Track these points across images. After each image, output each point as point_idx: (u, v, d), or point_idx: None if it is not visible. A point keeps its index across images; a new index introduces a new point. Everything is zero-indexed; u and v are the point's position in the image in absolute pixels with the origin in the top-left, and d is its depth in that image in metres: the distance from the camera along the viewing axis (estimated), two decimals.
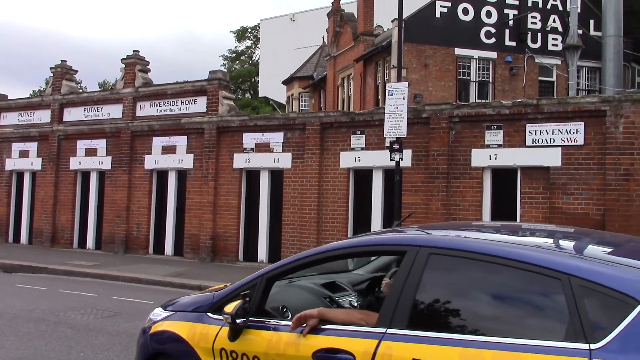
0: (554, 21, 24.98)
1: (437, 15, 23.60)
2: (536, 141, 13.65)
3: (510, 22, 24.36)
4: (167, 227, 18.97)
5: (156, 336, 4.63)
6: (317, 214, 16.25)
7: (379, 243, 4.19)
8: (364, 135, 15.80)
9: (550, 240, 4.07)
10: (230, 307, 3.99)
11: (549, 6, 24.87)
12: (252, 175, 17.66)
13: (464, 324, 3.42)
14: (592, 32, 24.81)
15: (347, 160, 16.04)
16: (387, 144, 13.65)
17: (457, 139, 14.59)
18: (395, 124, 13.11)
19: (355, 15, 29.56)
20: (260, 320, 4.05)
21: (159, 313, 4.83)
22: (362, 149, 15.82)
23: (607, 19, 23.09)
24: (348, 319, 3.82)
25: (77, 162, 20.93)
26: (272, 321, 4.07)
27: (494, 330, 3.28)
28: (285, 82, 41.99)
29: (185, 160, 18.57)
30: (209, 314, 4.35)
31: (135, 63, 20.18)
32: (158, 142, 19.14)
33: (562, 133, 13.37)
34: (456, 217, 14.38)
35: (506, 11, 24.32)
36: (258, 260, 17.27)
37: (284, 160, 16.91)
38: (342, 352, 3.60)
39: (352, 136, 15.98)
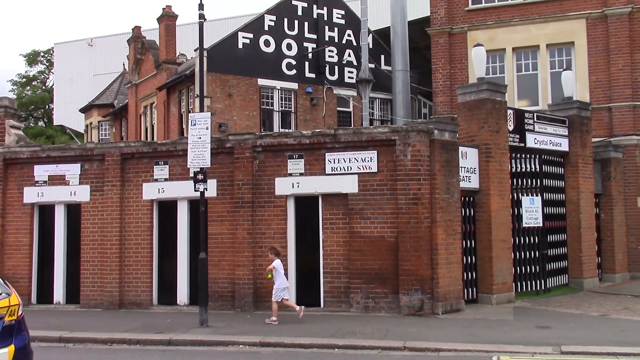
0: (349, 55, 26.63)
1: (240, 46, 24.00)
2: (335, 169, 14.31)
3: (310, 55, 25.51)
4: None
5: None
6: (119, 248, 15.49)
7: None
8: (167, 166, 15.45)
9: None
10: None
11: (344, 41, 26.47)
12: (46, 210, 16.40)
13: None
14: (383, 67, 26.84)
15: (151, 191, 15.54)
16: (192, 174, 13.46)
17: (261, 168, 14.82)
18: (199, 154, 12.97)
19: (158, 42, 29.01)
20: None
21: None
22: (165, 179, 15.44)
23: (395, 55, 25.14)
24: None
25: None
26: None
27: None
28: (83, 110, 39.81)
29: None
30: None
31: None
32: None
33: (357, 161, 14.17)
34: (262, 245, 14.52)
35: (305, 44, 25.45)
36: (54, 302, 16.00)
37: (82, 193, 15.94)
38: None
39: (155, 167, 15.54)
